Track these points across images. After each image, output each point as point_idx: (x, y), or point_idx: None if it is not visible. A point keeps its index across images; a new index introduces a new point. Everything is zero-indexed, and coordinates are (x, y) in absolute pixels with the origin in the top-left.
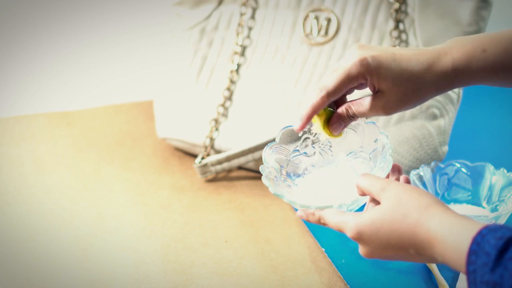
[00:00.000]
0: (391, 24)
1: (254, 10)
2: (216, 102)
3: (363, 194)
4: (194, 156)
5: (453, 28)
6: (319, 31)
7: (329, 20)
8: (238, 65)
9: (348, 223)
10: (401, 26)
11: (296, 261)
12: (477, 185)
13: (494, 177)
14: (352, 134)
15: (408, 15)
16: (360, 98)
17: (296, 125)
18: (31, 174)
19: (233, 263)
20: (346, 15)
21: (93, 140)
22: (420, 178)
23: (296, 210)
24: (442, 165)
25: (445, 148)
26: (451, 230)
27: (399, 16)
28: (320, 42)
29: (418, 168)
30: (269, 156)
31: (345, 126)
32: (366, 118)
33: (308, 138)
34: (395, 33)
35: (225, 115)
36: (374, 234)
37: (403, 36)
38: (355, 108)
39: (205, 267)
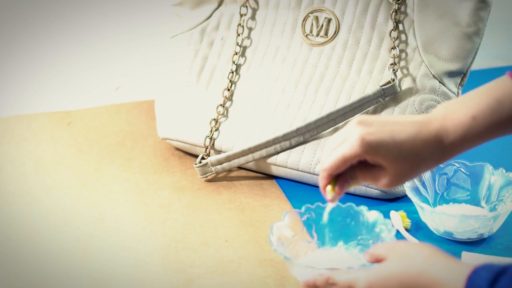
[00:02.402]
0: (390, 24)
1: (255, 10)
2: (217, 103)
3: (372, 259)
4: (195, 156)
5: (452, 29)
6: (318, 31)
7: (329, 21)
8: (239, 66)
9: (359, 277)
10: (400, 26)
11: None
12: (476, 185)
13: (493, 177)
14: (353, 223)
15: (407, 16)
16: (365, 168)
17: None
18: (32, 174)
19: (233, 263)
20: (346, 16)
21: (93, 140)
22: (420, 178)
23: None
24: (441, 165)
25: None
26: (450, 273)
27: (399, 16)
28: (320, 43)
29: None
30: (276, 231)
31: (348, 187)
32: (367, 208)
33: (311, 224)
34: (394, 34)
35: (225, 115)
36: (383, 285)
37: (403, 37)
38: (359, 174)
39: (205, 267)
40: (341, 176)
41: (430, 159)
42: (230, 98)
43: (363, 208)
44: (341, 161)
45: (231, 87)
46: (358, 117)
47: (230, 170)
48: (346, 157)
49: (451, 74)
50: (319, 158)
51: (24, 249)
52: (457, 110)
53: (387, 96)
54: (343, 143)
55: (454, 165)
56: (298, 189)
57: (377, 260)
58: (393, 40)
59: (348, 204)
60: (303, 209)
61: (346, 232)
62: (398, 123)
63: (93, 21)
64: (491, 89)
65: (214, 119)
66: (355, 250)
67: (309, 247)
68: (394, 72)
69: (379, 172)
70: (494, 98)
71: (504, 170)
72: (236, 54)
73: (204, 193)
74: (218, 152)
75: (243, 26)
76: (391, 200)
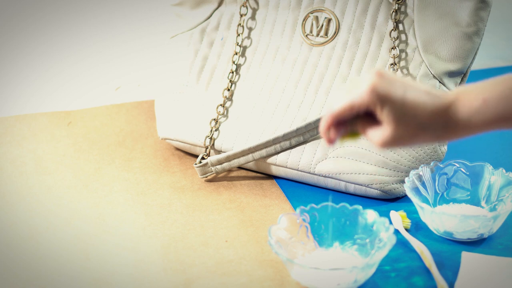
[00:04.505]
0: (390, 24)
1: (255, 10)
2: (217, 103)
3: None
4: (195, 156)
5: (452, 29)
6: (318, 31)
7: (329, 21)
8: (239, 66)
9: None
10: (400, 26)
11: None
12: (476, 185)
13: (492, 177)
14: (347, 223)
15: (407, 16)
16: (368, 121)
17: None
18: (32, 174)
19: (233, 263)
20: (346, 16)
21: (93, 140)
22: (420, 178)
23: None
24: (441, 165)
25: (444, 148)
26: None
27: (399, 16)
28: (320, 43)
29: (417, 168)
30: (273, 234)
31: (341, 135)
32: (362, 208)
33: (306, 225)
34: (394, 34)
35: (225, 115)
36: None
37: (403, 37)
38: (359, 125)
39: (205, 266)
40: (342, 123)
41: (431, 131)
42: (230, 98)
43: (358, 208)
44: (349, 108)
45: (231, 87)
46: (378, 69)
47: (230, 170)
48: (354, 104)
49: (451, 74)
50: (319, 158)
51: (24, 249)
52: (470, 91)
53: None
54: (354, 90)
55: (454, 165)
56: (298, 189)
57: None
58: (393, 40)
59: (342, 204)
60: (297, 211)
61: (342, 232)
62: (413, 87)
63: (93, 21)
64: (508, 78)
65: (214, 119)
66: (351, 249)
67: (306, 248)
68: (394, 72)
69: (379, 128)
70: (508, 86)
71: (504, 170)
72: (236, 54)
73: (204, 193)
74: (218, 152)
75: (243, 26)
76: (391, 200)
